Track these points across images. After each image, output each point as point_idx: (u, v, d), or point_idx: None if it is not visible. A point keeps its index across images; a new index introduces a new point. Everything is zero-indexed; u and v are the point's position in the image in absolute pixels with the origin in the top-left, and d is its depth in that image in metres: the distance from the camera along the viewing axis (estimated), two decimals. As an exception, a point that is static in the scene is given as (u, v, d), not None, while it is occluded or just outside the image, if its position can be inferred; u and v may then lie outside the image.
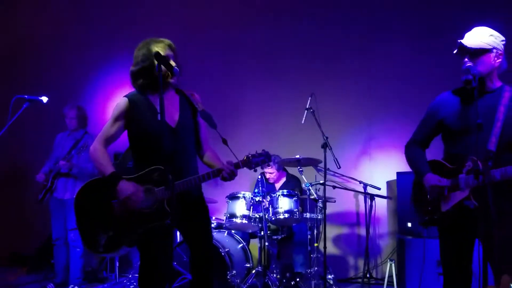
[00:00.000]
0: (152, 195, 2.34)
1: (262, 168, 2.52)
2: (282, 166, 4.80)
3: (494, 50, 2.20)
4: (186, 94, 2.57)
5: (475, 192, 2.12)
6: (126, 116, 2.45)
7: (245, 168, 2.45)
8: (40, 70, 6.27)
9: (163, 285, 2.41)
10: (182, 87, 2.61)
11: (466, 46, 2.19)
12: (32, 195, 4.83)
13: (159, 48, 2.40)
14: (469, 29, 2.31)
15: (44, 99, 3.27)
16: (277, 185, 4.86)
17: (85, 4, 6.39)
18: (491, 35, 2.23)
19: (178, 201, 2.28)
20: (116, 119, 2.46)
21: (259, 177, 4.29)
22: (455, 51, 2.21)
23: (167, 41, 2.48)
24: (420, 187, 2.41)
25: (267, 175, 4.77)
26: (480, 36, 2.22)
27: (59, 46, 6.30)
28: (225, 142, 2.35)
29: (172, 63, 2.38)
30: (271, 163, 4.68)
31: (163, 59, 2.22)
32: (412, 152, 2.52)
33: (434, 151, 2.58)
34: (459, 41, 2.18)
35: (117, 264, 4.88)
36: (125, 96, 2.49)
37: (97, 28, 6.23)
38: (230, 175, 2.39)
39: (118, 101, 2.50)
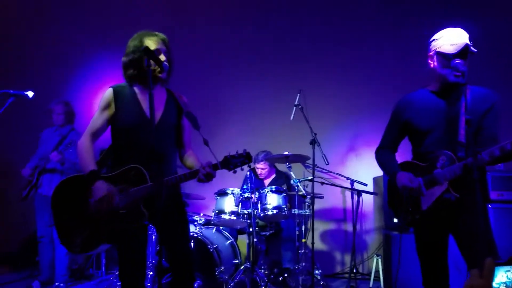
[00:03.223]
0: (127, 196, 2.28)
1: (242, 169, 2.34)
2: (272, 163, 4.81)
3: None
4: (174, 95, 2.56)
5: (453, 185, 2.18)
6: (111, 107, 2.42)
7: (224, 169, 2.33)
8: (26, 66, 6.15)
9: (142, 280, 2.41)
10: (171, 84, 2.60)
11: (472, 50, 2.22)
12: (14, 192, 4.74)
13: (152, 41, 2.39)
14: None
15: (30, 93, 3.21)
16: (266, 181, 4.87)
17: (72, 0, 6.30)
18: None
19: (154, 200, 2.22)
20: (102, 110, 2.44)
21: (248, 173, 4.30)
22: (456, 52, 2.21)
23: (162, 35, 2.46)
24: (395, 190, 2.46)
25: (258, 171, 4.77)
26: (468, 38, 2.27)
27: (46, 42, 6.20)
28: (206, 143, 2.25)
29: (162, 57, 2.38)
30: (260, 158, 4.69)
31: (152, 54, 2.20)
32: (382, 156, 2.60)
33: (402, 153, 2.65)
34: (467, 43, 2.21)
35: (104, 261, 4.85)
36: (111, 86, 2.47)
37: (84, 24, 6.14)
38: (206, 177, 2.28)
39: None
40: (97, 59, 6.00)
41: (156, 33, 2.46)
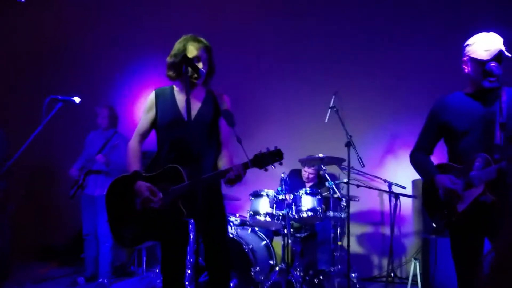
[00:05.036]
0: (167, 195, 2.37)
1: (274, 167, 2.23)
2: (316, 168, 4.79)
3: None
4: (214, 94, 2.63)
5: (489, 187, 2.15)
6: (153, 109, 2.58)
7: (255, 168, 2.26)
8: (70, 71, 6.41)
9: (182, 276, 2.53)
10: (212, 86, 2.69)
11: (505, 54, 2.20)
12: (62, 191, 4.99)
13: (194, 47, 2.49)
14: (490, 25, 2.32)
15: (77, 99, 3.39)
16: (308, 185, 4.86)
17: (113, 5, 6.52)
18: None
19: (192, 197, 2.27)
20: (145, 112, 2.61)
21: (282, 175, 4.33)
22: (490, 58, 2.20)
23: (205, 42, 2.54)
24: (431, 192, 2.43)
25: (306, 174, 4.78)
26: (502, 44, 2.24)
27: (89, 47, 6.45)
28: (239, 141, 2.17)
29: (200, 65, 2.48)
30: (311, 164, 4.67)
31: (190, 62, 2.32)
32: (418, 158, 2.58)
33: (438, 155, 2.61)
34: (501, 49, 2.19)
35: (145, 259, 5.02)
36: (154, 89, 2.63)
37: (129, 29, 6.30)
38: (236, 177, 2.26)
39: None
40: (138, 64, 6.19)
41: (201, 39, 2.55)
